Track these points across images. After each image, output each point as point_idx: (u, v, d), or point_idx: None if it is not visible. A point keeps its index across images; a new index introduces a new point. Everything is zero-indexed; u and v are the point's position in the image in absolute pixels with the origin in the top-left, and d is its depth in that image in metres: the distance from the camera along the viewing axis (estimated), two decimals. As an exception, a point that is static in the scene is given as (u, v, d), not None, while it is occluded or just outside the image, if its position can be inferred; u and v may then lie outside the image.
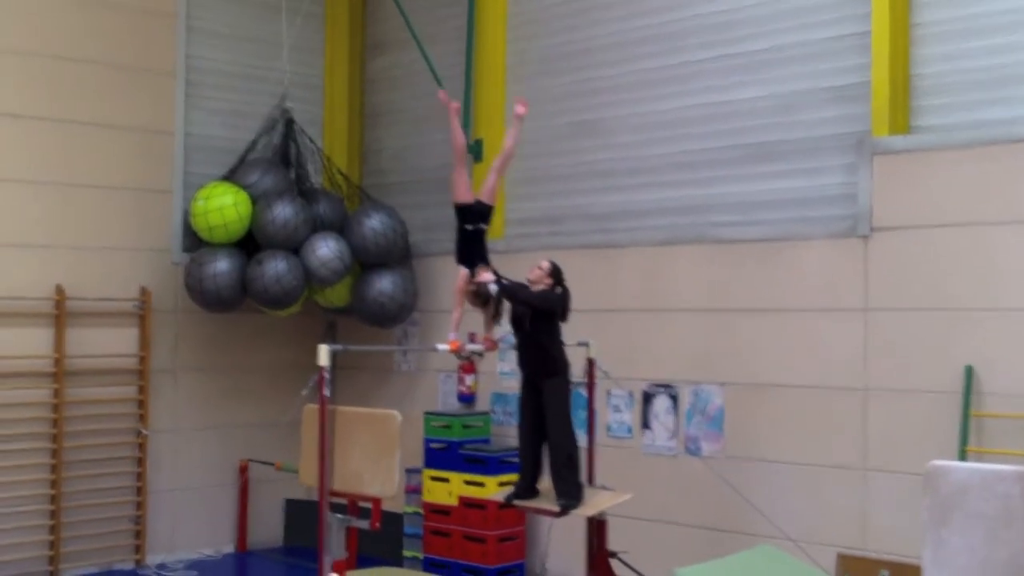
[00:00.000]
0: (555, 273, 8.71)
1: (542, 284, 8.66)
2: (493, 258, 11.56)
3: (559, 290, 8.68)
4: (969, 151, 8.78)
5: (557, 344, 8.63)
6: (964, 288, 8.73)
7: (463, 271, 8.76)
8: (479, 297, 8.67)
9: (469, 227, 8.88)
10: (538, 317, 8.56)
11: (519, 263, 11.41)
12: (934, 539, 5.70)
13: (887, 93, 9.18)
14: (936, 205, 8.91)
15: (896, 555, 8.78)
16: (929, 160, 8.97)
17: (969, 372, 8.59)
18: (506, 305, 8.79)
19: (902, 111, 9.25)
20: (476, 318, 9.23)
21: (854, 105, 9.50)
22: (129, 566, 11.83)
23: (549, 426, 8.61)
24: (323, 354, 7.79)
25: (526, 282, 8.72)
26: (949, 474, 5.72)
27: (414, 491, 11.74)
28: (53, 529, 11.34)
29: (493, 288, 8.56)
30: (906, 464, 8.75)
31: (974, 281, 8.68)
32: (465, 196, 8.98)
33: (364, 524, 7.64)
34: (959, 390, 8.62)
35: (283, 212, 11.62)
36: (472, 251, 8.84)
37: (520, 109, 9.07)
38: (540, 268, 8.74)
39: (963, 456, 8.44)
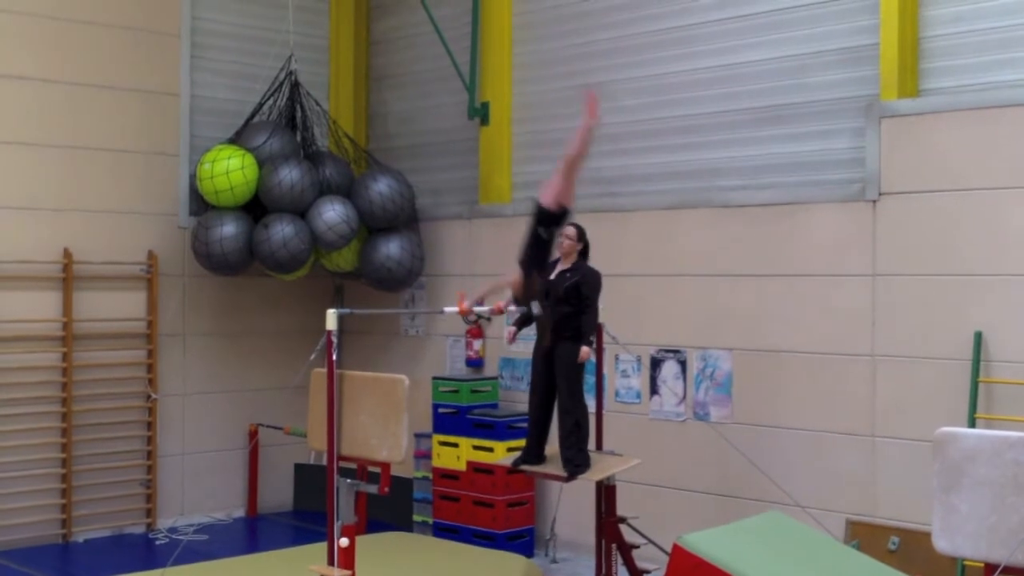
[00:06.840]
0: (584, 236, 8.86)
1: (574, 253, 8.76)
2: (500, 222, 11.68)
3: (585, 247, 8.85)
4: (978, 114, 8.73)
5: (591, 316, 8.70)
6: (973, 253, 8.69)
7: (517, 273, 8.67)
8: (522, 301, 8.63)
9: (542, 231, 8.68)
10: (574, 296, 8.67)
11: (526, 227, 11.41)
12: (943, 505, 5.70)
13: (896, 56, 9.12)
14: (945, 169, 8.86)
15: (905, 521, 8.82)
16: (938, 123, 8.92)
17: (978, 338, 8.56)
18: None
19: (911, 74, 9.19)
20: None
21: (863, 68, 9.44)
22: (140, 530, 11.89)
23: (559, 391, 8.64)
24: (330, 318, 7.76)
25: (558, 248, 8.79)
26: (958, 440, 5.72)
27: (424, 456, 11.77)
28: (64, 493, 11.41)
29: (536, 311, 8.60)
30: (915, 431, 8.76)
31: (983, 246, 8.65)
32: (547, 199, 8.69)
33: (373, 489, 7.62)
34: (968, 356, 8.61)
35: (290, 175, 11.57)
36: (538, 256, 8.71)
37: (589, 119, 8.76)
38: (568, 238, 8.78)
39: (972, 423, 8.44)
